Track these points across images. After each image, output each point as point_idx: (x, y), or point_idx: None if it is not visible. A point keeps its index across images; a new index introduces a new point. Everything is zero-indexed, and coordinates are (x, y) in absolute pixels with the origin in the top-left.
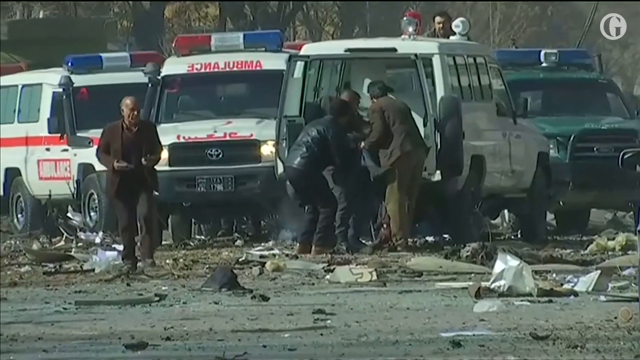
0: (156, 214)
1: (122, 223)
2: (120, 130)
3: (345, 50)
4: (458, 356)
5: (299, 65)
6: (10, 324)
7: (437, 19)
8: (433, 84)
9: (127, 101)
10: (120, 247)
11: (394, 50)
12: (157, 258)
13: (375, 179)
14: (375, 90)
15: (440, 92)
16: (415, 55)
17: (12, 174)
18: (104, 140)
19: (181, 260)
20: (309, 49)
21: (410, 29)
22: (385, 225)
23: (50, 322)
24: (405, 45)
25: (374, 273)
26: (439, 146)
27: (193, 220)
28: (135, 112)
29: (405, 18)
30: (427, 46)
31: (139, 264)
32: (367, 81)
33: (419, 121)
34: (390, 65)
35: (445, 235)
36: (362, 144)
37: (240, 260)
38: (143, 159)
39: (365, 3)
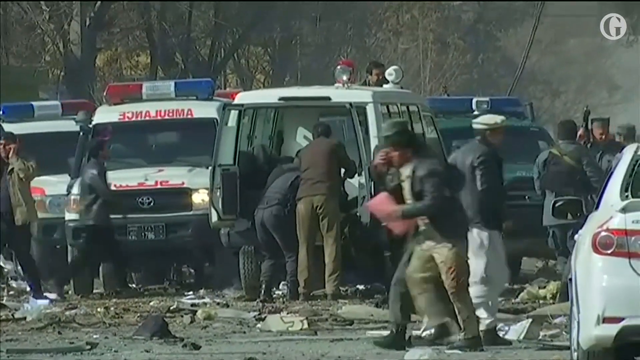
0: None
1: None
2: None
3: (280, 99)
4: None
5: (233, 113)
6: None
7: (375, 70)
8: (367, 132)
9: None
10: (52, 296)
11: (328, 98)
12: (89, 306)
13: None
14: (313, 132)
15: (374, 141)
16: (350, 104)
17: None
18: None
19: (112, 308)
20: (243, 97)
21: (344, 77)
22: None
23: None
24: (339, 93)
25: (305, 321)
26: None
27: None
28: None
29: (339, 67)
30: (361, 95)
31: None
32: (300, 129)
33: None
34: (323, 113)
35: (377, 284)
36: None
37: (171, 308)
38: None
39: (296, 51)
